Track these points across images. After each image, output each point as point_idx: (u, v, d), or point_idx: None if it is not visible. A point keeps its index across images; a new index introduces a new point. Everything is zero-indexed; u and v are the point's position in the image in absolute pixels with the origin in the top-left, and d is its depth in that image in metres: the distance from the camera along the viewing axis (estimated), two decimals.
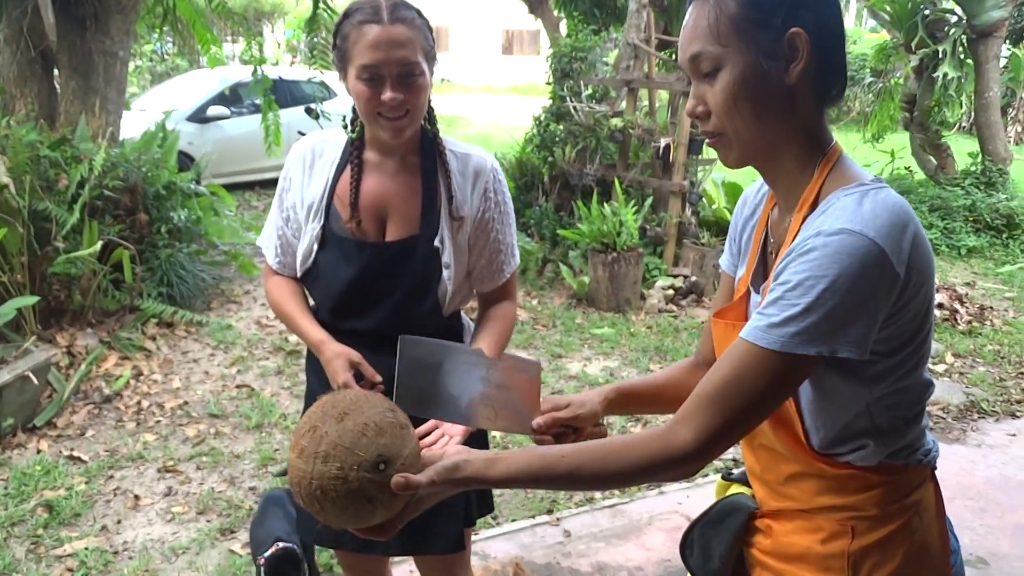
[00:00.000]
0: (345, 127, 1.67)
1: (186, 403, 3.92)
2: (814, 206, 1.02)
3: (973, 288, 6.24)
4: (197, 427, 3.69)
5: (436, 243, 1.61)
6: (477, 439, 1.78)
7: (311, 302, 1.74)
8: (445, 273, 1.63)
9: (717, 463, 3.40)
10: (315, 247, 1.64)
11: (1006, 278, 6.60)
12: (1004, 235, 7.56)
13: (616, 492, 3.19)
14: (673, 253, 5.78)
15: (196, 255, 5.29)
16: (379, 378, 1.59)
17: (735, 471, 1.31)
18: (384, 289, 1.62)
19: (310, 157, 1.67)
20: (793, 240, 1.01)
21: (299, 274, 1.69)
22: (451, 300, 1.66)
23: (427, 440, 1.48)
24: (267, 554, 2.14)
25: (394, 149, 1.61)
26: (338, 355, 1.58)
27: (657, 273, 5.63)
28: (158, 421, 3.75)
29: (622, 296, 5.31)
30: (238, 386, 4.14)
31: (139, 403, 3.90)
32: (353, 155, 1.63)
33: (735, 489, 1.28)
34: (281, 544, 2.17)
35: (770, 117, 1.01)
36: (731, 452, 3.49)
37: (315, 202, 1.63)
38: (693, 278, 5.57)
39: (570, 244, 5.82)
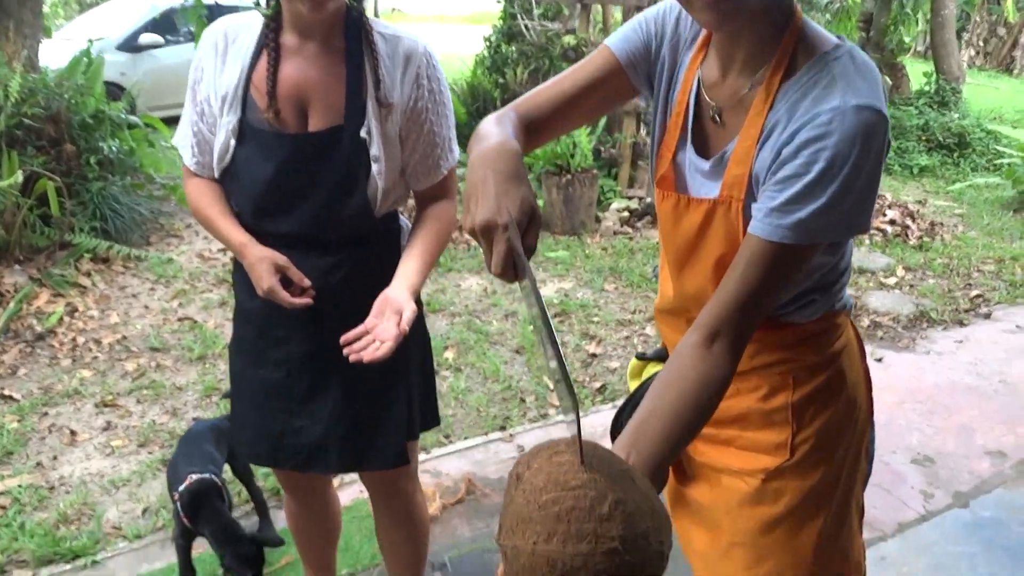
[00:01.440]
0: (258, 4, 1.51)
1: (125, 338, 3.77)
2: (788, 71, 0.95)
3: (924, 206, 6.29)
4: (137, 361, 3.55)
5: (363, 134, 1.48)
6: (418, 333, 1.68)
7: (233, 206, 1.61)
8: (374, 167, 1.50)
9: None
10: (232, 142, 1.49)
11: (956, 195, 6.66)
12: (955, 154, 7.62)
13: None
14: (628, 175, 5.70)
15: (132, 188, 5.04)
16: (307, 282, 1.49)
17: (648, 352, 1.26)
18: (307, 185, 1.49)
19: (223, 43, 1.51)
20: (769, 106, 0.94)
21: (217, 174, 1.56)
22: (383, 198, 1.54)
23: (357, 345, 1.38)
24: (181, 488, 2.05)
25: (315, 29, 1.47)
26: (262, 259, 1.47)
27: (612, 195, 5.55)
28: (95, 357, 3.59)
29: (577, 219, 5.23)
30: (180, 319, 3.99)
31: (74, 339, 3.73)
32: (270, 38, 1.48)
33: (652, 368, 1.23)
34: (195, 476, 2.07)
35: None
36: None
37: (230, 92, 1.48)
38: (648, 199, 5.50)
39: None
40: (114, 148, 4.77)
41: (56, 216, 4.27)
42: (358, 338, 1.40)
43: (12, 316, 3.78)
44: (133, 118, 5.22)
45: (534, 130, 1.08)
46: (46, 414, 3.11)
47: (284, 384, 1.59)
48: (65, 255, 4.39)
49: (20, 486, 2.62)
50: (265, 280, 1.45)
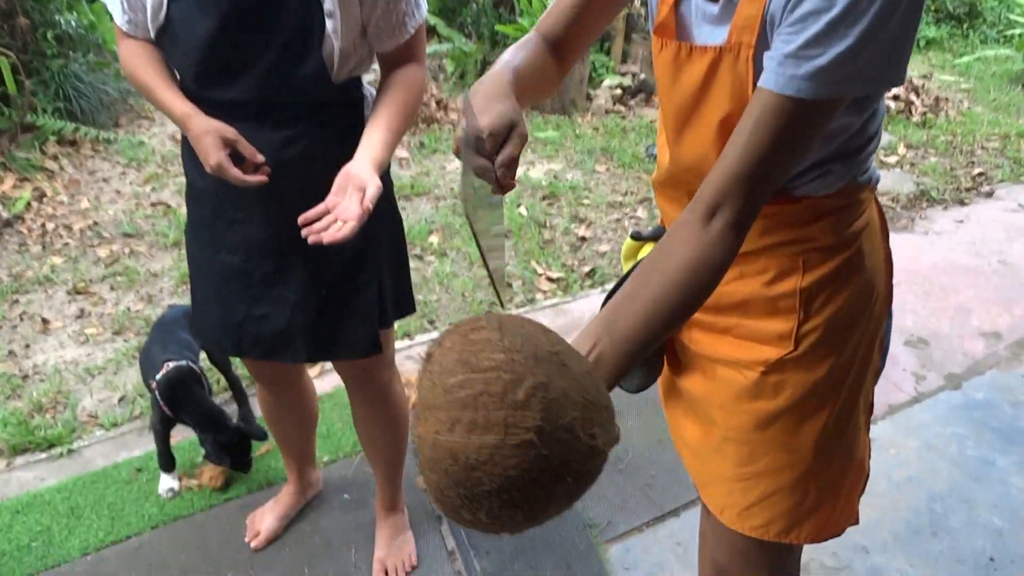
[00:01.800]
0: None
1: (96, 224, 3.62)
2: None
3: (930, 80, 6.03)
4: (110, 247, 3.42)
5: None
6: (391, 219, 1.56)
7: (176, 72, 1.43)
8: (328, 24, 1.32)
9: None
10: None
11: (963, 69, 6.38)
12: (965, 25, 7.26)
13: (558, 290, 3.07)
14: (621, 49, 5.40)
15: (97, 67, 4.74)
16: (260, 157, 1.34)
17: (644, 231, 1.13)
18: (254, 46, 1.31)
19: None
20: None
21: (153, 34, 1.38)
22: (341, 61, 1.37)
23: (317, 226, 1.26)
24: (159, 376, 1.97)
25: None
26: (207, 131, 1.31)
27: (604, 72, 5.27)
28: (66, 243, 3.46)
29: (567, 97, 4.98)
30: (153, 204, 3.83)
31: (43, 225, 3.58)
32: None
33: (648, 249, 1.10)
34: (172, 363, 1.99)
35: None
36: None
37: None
38: (642, 76, 5.24)
39: (510, 42, 5.37)
40: (72, 22, 4.45)
41: (12, 94, 4.02)
42: (318, 217, 1.27)
43: None
44: None
45: (561, 47, 1.02)
46: (16, 302, 3.01)
47: (243, 269, 1.47)
48: (29, 137, 4.17)
49: None
50: (212, 155, 1.30)
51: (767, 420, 0.98)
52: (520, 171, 4.21)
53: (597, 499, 1.99)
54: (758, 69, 0.81)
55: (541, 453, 0.55)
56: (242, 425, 2.02)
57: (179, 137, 4.65)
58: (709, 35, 0.88)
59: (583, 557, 1.81)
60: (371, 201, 1.27)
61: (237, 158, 1.33)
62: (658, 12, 0.93)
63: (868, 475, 1.08)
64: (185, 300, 3.01)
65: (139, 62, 1.38)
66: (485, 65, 5.54)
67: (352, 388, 1.72)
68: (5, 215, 3.61)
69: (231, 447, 1.98)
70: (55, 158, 4.16)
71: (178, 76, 1.41)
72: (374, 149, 1.34)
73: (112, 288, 3.11)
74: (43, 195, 3.85)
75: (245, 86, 1.34)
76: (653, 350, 1.10)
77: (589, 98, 5.12)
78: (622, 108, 5.13)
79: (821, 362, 0.95)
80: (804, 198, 0.90)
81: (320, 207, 1.27)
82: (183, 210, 3.74)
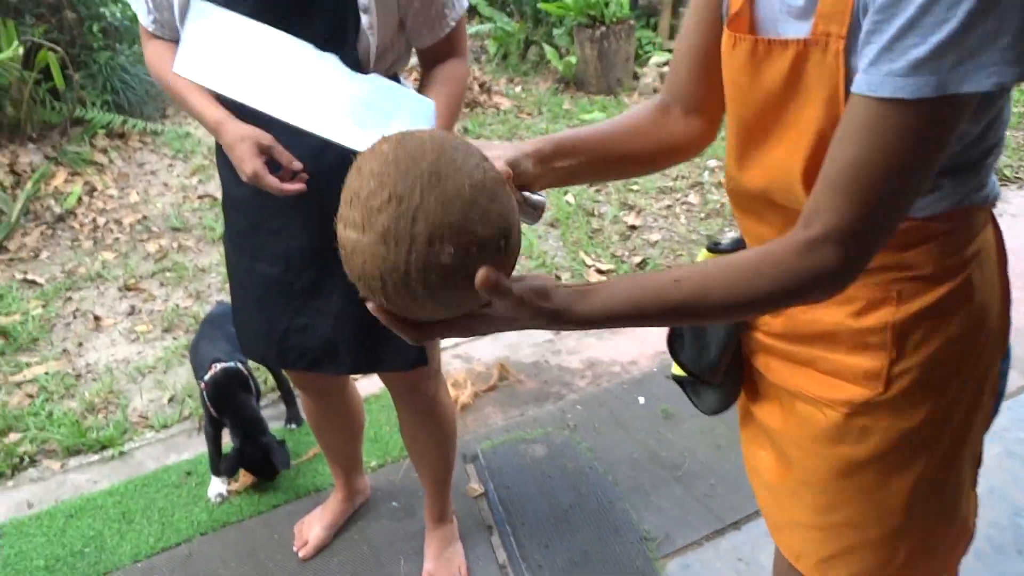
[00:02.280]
0: None
1: (145, 217, 3.65)
2: None
3: None
4: (158, 242, 3.44)
5: None
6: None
7: None
8: (364, 19, 1.25)
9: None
10: None
11: None
12: None
13: None
14: (668, 24, 5.22)
15: (143, 58, 4.77)
16: (298, 164, 1.28)
17: (723, 240, 1.03)
18: None
19: None
20: None
21: (180, 34, 1.32)
22: (378, 58, 1.30)
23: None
24: (206, 377, 1.96)
25: None
26: (242, 138, 1.25)
27: (651, 48, 5.11)
28: (116, 238, 3.49)
29: (613, 76, 4.84)
30: (200, 196, 3.84)
31: (95, 220, 3.62)
32: None
33: None
34: (220, 365, 1.97)
35: None
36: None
37: None
38: None
39: (554, 21, 5.24)
40: (117, 14, 4.46)
41: (63, 90, 4.06)
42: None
43: (31, 197, 3.67)
44: None
45: (693, 103, 0.97)
46: (70, 299, 3.04)
47: (283, 279, 1.43)
48: (79, 131, 4.21)
49: (47, 374, 2.58)
50: (248, 163, 1.24)
51: (850, 468, 0.87)
52: None
53: (654, 510, 1.92)
54: (851, 66, 0.70)
55: (387, 256, 0.65)
56: (273, 444, 1.98)
57: None
58: (794, 30, 0.77)
59: (639, 573, 1.74)
60: None
61: (273, 165, 1.27)
62: (731, 2, 0.82)
63: (973, 535, 0.96)
64: None
65: (167, 65, 1.33)
66: (528, 45, 5.43)
67: (398, 399, 1.67)
68: (58, 210, 3.65)
69: (255, 463, 1.97)
70: (104, 151, 4.20)
71: None
72: None
73: (161, 284, 3.12)
74: (93, 189, 3.88)
75: None
76: (716, 364, 1.01)
77: (635, 77, 4.97)
78: None
79: (916, 408, 0.83)
80: (904, 218, 0.75)
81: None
82: None
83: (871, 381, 0.84)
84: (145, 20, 1.34)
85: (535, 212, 0.91)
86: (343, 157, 1.32)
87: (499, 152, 0.86)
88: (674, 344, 1.05)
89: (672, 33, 5.23)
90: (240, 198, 1.43)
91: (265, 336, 1.49)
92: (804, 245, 0.69)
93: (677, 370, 1.07)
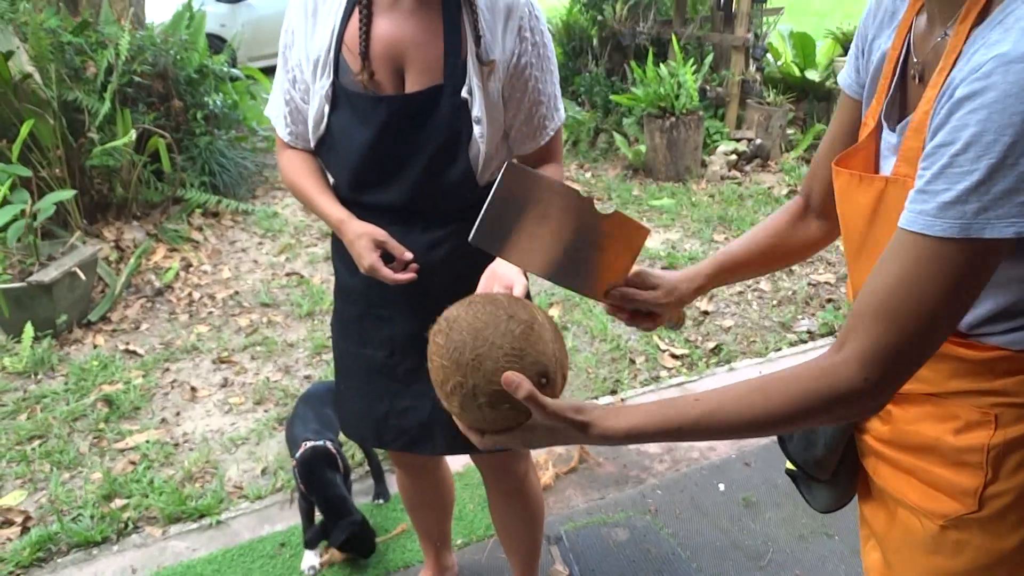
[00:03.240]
0: None
1: (237, 293, 3.86)
2: (984, 14, 0.75)
3: None
4: (249, 317, 3.63)
5: (464, 94, 1.37)
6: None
7: (330, 179, 1.54)
8: (476, 130, 1.39)
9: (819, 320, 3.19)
10: (326, 108, 1.41)
11: None
12: None
13: (683, 368, 3.03)
14: (736, 115, 5.37)
15: (236, 142, 5.13)
16: (409, 255, 1.40)
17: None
18: (406, 152, 1.39)
19: (312, 4, 1.42)
20: (954, 61, 0.75)
21: (313, 144, 1.48)
22: (486, 164, 1.44)
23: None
24: (297, 455, 2.06)
25: None
26: (361, 235, 1.39)
27: (719, 137, 5.25)
28: (210, 312, 3.70)
29: (681, 164, 4.98)
30: (287, 274, 4.05)
31: (190, 295, 3.85)
32: None
33: None
34: (309, 443, 2.07)
35: None
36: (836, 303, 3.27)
37: (321, 55, 1.39)
38: (758, 141, 5.18)
39: (624, 111, 5.44)
40: (218, 102, 4.83)
41: (167, 172, 4.38)
42: None
43: (133, 271, 3.93)
44: (235, 71, 5.27)
45: (826, 208, 1.09)
46: (168, 369, 3.23)
47: (388, 364, 1.54)
48: (178, 210, 4.52)
49: (148, 442, 2.73)
50: (366, 258, 1.38)
51: None
52: None
53: None
54: None
55: (462, 414, 0.93)
56: (356, 528, 2.04)
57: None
58: (887, 164, 0.87)
59: None
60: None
61: (387, 257, 1.40)
62: (859, 137, 0.93)
63: None
64: (319, 371, 3.15)
65: (298, 172, 1.49)
66: (598, 133, 5.63)
67: (489, 480, 1.75)
68: (157, 284, 3.90)
69: (336, 539, 2.03)
70: (200, 229, 4.48)
71: (334, 180, 1.51)
72: None
73: (252, 358, 3.28)
74: (189, 265, 4.14)
75: (397, 191, 1.42)
76: (823, 461, 1.06)
77: (704, 164, 5.10)
78: (738, 174, 5.08)
79: (1012, 530, 0.86)
80: (997, 348, 0.84)
81: (486, 271, 1.32)
82: (315, 280, 3.95)
83: (967, 497, 0.87)
84: (282, 133, 1.50)
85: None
86: (450, 251, 1.46)
87: (663, 280, 1.09)
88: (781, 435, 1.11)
89: (739, 123, 5.38)
90: (353, 287, 1.55)
91: (366, 418, 1.59)
92: (830, 367, 0.77)
93: (790, 465, 1.12)
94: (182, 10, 5.25)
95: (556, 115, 1.49)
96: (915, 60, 0.86)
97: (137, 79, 4.30)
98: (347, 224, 1.42)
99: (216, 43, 6.64)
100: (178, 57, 4.67)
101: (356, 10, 1.37)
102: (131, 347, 3.38)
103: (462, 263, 1.44)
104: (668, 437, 0.83)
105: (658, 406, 0.83)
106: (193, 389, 3.07)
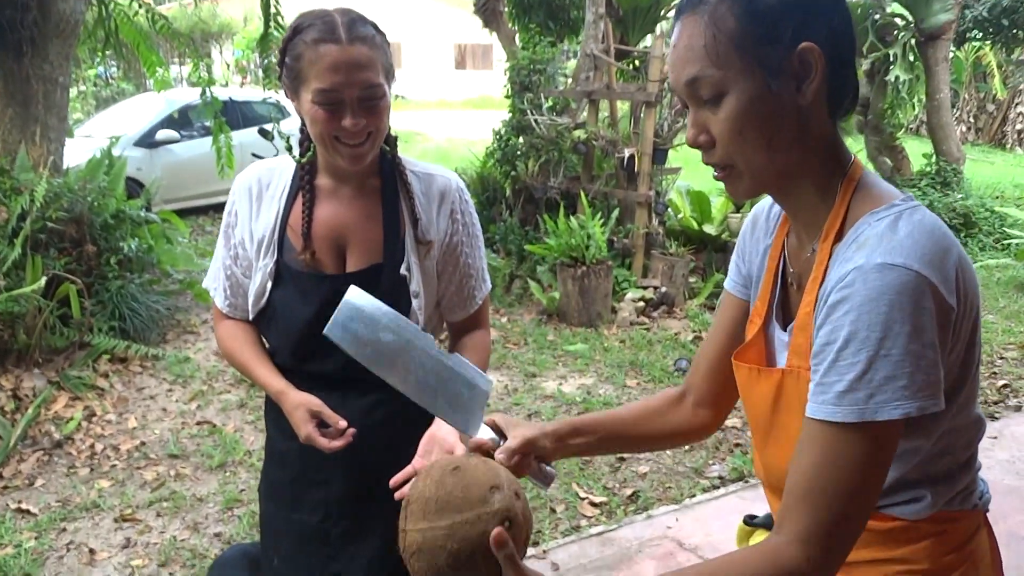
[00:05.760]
0: (290, 150, 1.54)
1: (143, 444, 3.71)
2: (841, 234, 0.92)
3: None
4: (156, 469, 3.48)
5: (403, 271, 1.49)
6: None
7: (267, 345, 1.59)
8: (415, 303, 1.50)
9: (739, 498, 3.31)
10: (268, 284, 1.50)
11: None
12: (962, 234, 7.67)
13: (602, 516, 3.07)
14: (642, 264, 5.72)
15: (149, 285, 5.06)
16: (343, 423, 1.45)
17: (759, 515, 1.20)
18: None
19: (256, 187, 1.54)
20: (823, 273, 0.91)
21: (252, 316, 1.56)
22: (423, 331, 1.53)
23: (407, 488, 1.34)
24: None
25: (351, 174, 1.49)
26: (297, 406, 1.45)
27: (627, 285, 5.55)
28: (113, 465, 3.53)
29: (593, 310, 5.22)
30: (199, 423, 3.93)
31: (92, 446, 3.67)
32: (304, 181, 1.50)
33: (759, 536, 1.17)
34: None
35: (783, 142, 0.90)
36: (753, 492, 3.40)
37: (266, 235, 1.50)
38: (663, 289, 5.51)
39: (537, 259, 5.71)
40: (133, 247, 4.80)
41: (76, 317, 4.27)
42: (407, 480, 1.36)
43: (30, 422, 3.73)
44: (151, 215, 5.28)
45: (705, 399, 1.20)
46: (64, 530, 3.03)
47: (321, 528, 1.54)
48: (83, 356, 4.36)
49: None
50: (302, 428, 1.43)
51: None
52: (553, 386, 4.34)
53: None
54: None
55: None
56: None
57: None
58: (781, 359, 1.01)
59: None
60: None
61: (323, 424, 1.44)
62: (746, 335, 1.07)
63: None
64: (230, 527, 3.02)
65: (237, 343, 1.56)
66: (513, 279, 5.86)
67: None
68: (57, 436, 3.71)
69: None
70: (106, 375, 4.33)
71: (272, 348, 1.56)
72: None
73: (158, 514, 3.13)
74: (93, 414, 3.97)
75: (335, 361, 1.47)
76: None
77: (614, 311, 5.36)
78: (646, 320, 5.35)
79: None
80: (896, 519, 0.95)
81: (408, 469, 1.35)
82: (228, 429, 3.84)
83: None
84: (221, 304, 1.57)
85: (546, 480, 1.13)
86: (387, 416, 1.51)
87: (521, 432, 1.08)
88: None
89: (645, 272, 5.72)
90: (286, 451, 1.57)
91: None
92: (774, 549, 0.86)
93: None
94: (101, 156, 5.29)
95: (484, 285, 1.62)
96: (792, 270, 1.02)
97: (51, 224, 4.26)
98: (286, 396, 1.47)
99: (133, 187, 6.65)
100: (95, 203, 4.66)
101: (300, 195, 1.48)
102: (24, 505, 3.16)
103: (399, 424, 1.49)
104: None
105: None
106: (92, 551, 2.88)
